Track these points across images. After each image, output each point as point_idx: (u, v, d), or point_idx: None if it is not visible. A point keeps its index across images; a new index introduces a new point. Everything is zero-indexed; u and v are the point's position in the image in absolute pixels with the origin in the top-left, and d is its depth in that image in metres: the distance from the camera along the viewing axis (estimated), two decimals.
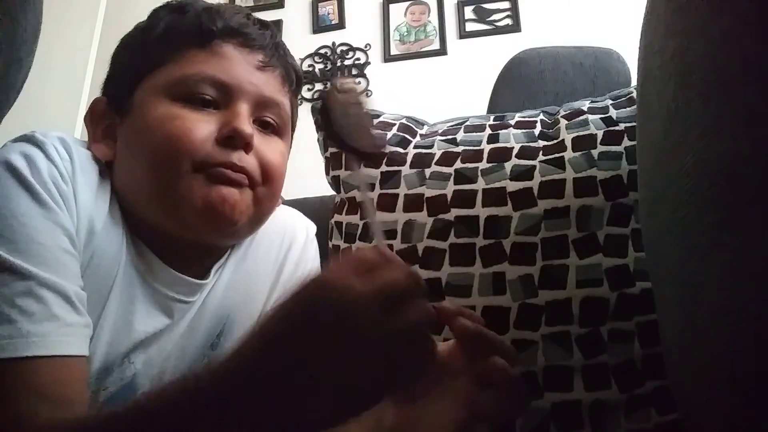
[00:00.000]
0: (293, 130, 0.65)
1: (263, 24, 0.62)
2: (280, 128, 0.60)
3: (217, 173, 0.52)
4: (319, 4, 2.46)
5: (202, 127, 0.53)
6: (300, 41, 2.36)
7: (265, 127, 0.58)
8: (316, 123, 0.87)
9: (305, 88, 2.34)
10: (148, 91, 0.55)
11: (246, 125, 0.54)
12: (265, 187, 0.56)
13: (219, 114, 0.54)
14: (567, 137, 0.71)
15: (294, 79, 0.63)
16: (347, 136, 0.40)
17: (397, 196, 0.73)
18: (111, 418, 0.38)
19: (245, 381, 0.34)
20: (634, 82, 0.89)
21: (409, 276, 0.35)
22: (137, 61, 0.58)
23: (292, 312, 0.34)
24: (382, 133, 0.41)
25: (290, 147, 0.64)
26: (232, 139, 0.53)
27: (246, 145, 0.54)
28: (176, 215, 0.53)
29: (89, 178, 0.52)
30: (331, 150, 0.82)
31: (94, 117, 0.59)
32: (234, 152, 0.53)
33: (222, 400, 0.33)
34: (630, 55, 0.76)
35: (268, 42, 0.60)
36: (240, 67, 0.56)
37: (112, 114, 0.58)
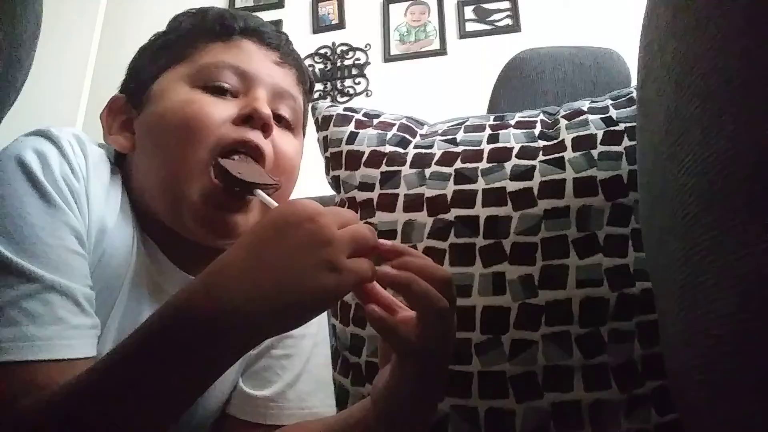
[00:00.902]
0: (304, 134, 0.66)
1: (278, 30, 0.65)
2: (293, 123, 0.61)
3: (223, 202, 0.52)
4: (319, 4, 2.46)
5: (220, 110, 0.54)
6: (300, 41, 2.33)
7: (279, 120, 0.59)
8: (316, 123, 0.87)
9: None
10: (168, 80, 0.57)
11: (265, 107, 0.55)
12: (279, 175, 0.56)
13: (238, 101, 0.56)
14: (567, 137, 0.71)
15: (307, 80, 0.65)
16: (245, 177, 0.51)
17: (397, 196, 0.73)
18: (96, 366, 0.39)
19: (227, 281, 0.38)
20: (634, 82, 0.89)
21: (350, 211, 0.43)
22: (157, 60, 0.59)
23: (267, 220, 0.40)
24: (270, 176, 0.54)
25: (302, 147, 0.65)
26: (251, 119, 0.54)
27: (264, 126, 0.54)
28: (179, 219, 0.53)
29: (102, 176, 0.53)
30: (331, 150, 0.82)
31: (111, 112, 0.60)
32: (251, 131, 0.54)
33: (205, 302, 0.37)
34: (630, 55, 0.76)
35: (284, 43, 0.62)
36: (258, 59, 0.59)
37: (130, 109, 0.59)
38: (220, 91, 0.55)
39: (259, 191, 0.52)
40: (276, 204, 0.50)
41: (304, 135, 0.66)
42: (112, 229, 0.51)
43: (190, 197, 0.52)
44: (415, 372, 0.43)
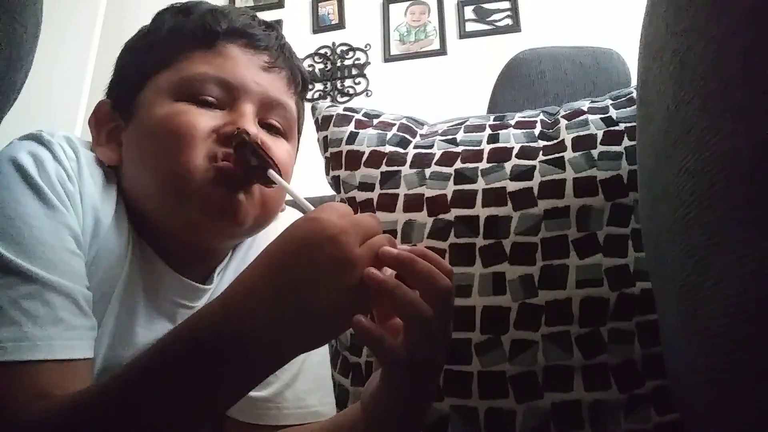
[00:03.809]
0: (300, 132, 0.65)
1: (268, 25, 0.61)
2: (285, 130, 0.59)
3: (221, 171, 0.51)
4: (319, 4, 2.46)
5: (206, 120, 0.52)
6: (300, 41, 2.36)
7: (269, 128, 0.58)
8: (315, 123, 0.87)
9: None
10: (152, 93, 0.55)
11: (250, 125, 0.53)
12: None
13: (223, 114, 0.54)
14: (567, 137, 0.71)
15: (300, 81, 0.62)
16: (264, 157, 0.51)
17: (397, 196, 0.73)
18: (110, 382, 0.39)
19: (247, 305, 0.38)
20: (634, 82, 0.89)
21: (373, 217, 0.42)
22: (141, 63, 0.57)
23: (287, 241, 0.40)
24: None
25: (297, 149, 0.63)
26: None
27: None
28: (182, 215, 0.52)
29: (96, 178, 0.52)
30: (331, 150, 0.82)
31: (98, 120, 0.58)
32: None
33: (228, 327, 0.37)
34: (630, 55, 0.76)
35: (273, 43, 0.59)
36: (244, 67, 0.56)
37: (117, 117, 0.57)
38: (205, 104, 0.53)
39: (273, 172, 0.51)
40: (290, 187, 0.50)
41: (299, 134, 0.64)
42: (106, 230, 0.51)
43: (192, 187, 0.51)
44: (402, 381, 0.42)
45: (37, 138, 0.50)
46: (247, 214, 0.53)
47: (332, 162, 0.82)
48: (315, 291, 0.37)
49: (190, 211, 0.52)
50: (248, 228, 0.55)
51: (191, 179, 0.51)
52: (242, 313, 0.38)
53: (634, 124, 0.67)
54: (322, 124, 0.85)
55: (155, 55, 0.56)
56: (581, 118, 0.74)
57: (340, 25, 2.43)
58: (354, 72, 2.37)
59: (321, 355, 0.66)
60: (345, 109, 0.86)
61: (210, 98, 0.54)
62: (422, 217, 0.70)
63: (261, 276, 0.39)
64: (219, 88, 0.54)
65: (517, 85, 1.02)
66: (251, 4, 2.50)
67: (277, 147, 0.57)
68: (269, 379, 0.60)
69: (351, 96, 2.34)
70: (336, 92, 2.36)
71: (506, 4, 2.29)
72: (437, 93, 2.15)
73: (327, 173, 0.83)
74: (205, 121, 0.52)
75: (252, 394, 0.59)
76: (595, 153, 0.68)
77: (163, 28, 0.58)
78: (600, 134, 0.70)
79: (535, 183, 0.68)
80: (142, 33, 0.60)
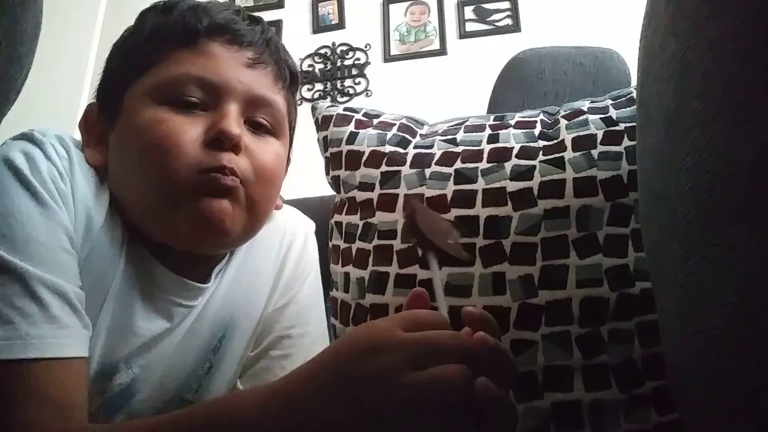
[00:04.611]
0: (292, 128, 0.64)
1: (253, 19, 0.60)
2: (274, 128, 0.58)
3: (208, 181, 0.50)
4: (319, 4, 2.46)
5: (189, 130, 0.51)
6: (300, 41, 2.37)
7: (257, 127, 0.56)
8: (316, 123, 0.87)
9: (305, 88, 2.34)
10: (135, 96, 0.54)
11: (233, 126, 0.52)
12: (259, 186, 0.54)
13: (207, 116, 0.53)
14: (567, 137, 0.71)
15: (287, 75, 0.60)
16: (432, 236, 0.45)
17: (397, 196, 0.73)
18: None
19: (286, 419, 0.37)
20: (634, 82, 0.89)
21: (455, 339, 0.37)
22: (125, 65, 0.56)
23: (346, 343, 0.39)
24: (457, 242, 0.48)
25: (290, 145, 0.63)
26: (220, 141, 0.51)
27: (234, 147, 0.52)
28: (168, 226, 0.52)
29: (88, 176, 0.52)
30: (331, 150, 0.82)
31: (87, 123, 0.58)
32: (223, 154, 0.51)
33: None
34: (630, 55, 0.76)
35: (257, 38, 0.57)
36: (227, 65, 0.54)
37: (104, 120, 0.56)
38: (188, 106, 0.52)
39: (432, 256, 0.45)
40: (439, 286, 0.44)
41: (292, 130, 0.63)
42: (98, 229, 0.51)
43: (177, 198, 0.50)
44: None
45: (29, 137, 0.50)
46: (234, 223, 0.52)
47: (332, 162, 0.82)
48: (366, 405, 0.35)
49: (177, 222, 0.51)
50: (236, 236, 0.55)
51: (177, 189, 0.50)
52: (295, 417, 0.37)
53: (634, 124, 0.67)
54: (322, 124, 0.85)
55: (137, 56, 0.55)
56: (581, 118, 0.74)
57: (340, 25, 2.43)
58: (354, 72, 2.37)
59: (321, 342, 0.66)
60: (345, 109, 0.86)
61: (193, 99, 0.53)
62: None
63: (314, 379, 0.38)
64: (201, 89, 0.53)
65: (517, 85, 1.02)
66: (251, 4, 2.50)
67: (263, 149, 0.56)
68: (270, 379, 0.59)
69: (351, 96, 2.34)
70: (336, 92, 2.36)
71: (506, 4, 2.29)
72: (437, 93, 2.15)
73: (327, 173, 0.83)
74: (188, 130, 0.51)
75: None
76: (595, 153, 0.68)
77: (145, 28, 0.57)
78: (600, 134, 0.70)
79: (535, 183, 0.68)
80: (126, 34, 0.59)
